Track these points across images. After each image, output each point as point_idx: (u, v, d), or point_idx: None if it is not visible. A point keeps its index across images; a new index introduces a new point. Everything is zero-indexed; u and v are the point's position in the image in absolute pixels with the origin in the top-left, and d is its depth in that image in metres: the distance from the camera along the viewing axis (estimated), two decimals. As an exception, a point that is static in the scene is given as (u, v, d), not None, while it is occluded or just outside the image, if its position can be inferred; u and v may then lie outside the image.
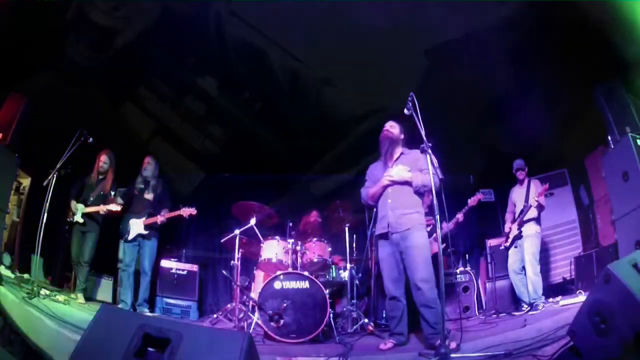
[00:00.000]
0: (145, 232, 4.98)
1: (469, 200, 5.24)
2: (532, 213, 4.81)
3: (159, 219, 4.92)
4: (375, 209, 3.62)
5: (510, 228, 5.02)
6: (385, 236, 3.41)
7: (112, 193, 4.93)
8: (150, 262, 5.03)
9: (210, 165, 6.70)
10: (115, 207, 4.76)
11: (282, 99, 5.27)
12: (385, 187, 3.43)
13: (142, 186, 5.13)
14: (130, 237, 4.96)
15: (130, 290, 4.92)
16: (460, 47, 4.30)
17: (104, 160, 4.92)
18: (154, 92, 5.27)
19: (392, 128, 3.49)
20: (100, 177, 4.96)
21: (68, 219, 4.80)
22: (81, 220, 4.75)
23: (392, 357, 3.02)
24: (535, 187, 4.88)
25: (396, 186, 3.38)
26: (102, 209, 4.74)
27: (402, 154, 3.51)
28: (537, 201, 4.72)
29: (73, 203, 4.80)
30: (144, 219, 4.97)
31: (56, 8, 3.73)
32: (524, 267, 4.81)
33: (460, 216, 5.24)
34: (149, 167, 5.16)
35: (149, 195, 5.11)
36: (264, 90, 5.21)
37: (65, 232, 4.92)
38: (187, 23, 4.04)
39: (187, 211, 4.93)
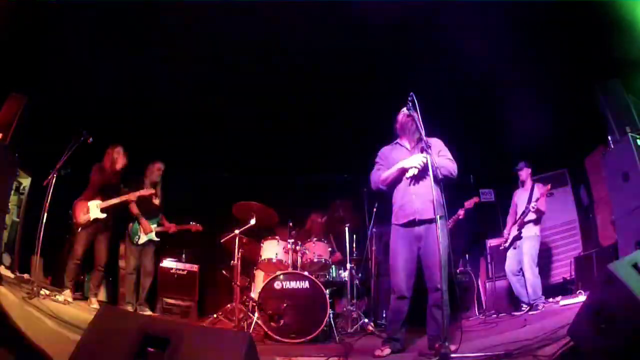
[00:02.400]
0: (157, 239, 5.10)
1: (465, 203, 5.23)
2: (532, 215, 4.81)
3: (172, 229, 5.16)
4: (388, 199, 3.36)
5: (509, 232, 5.03)
6: (408, 225, 3.14)
7: (121, 186, 4.86)
8: (153, 263, 5.13)
9: (211, 165, 6.70)
10: (147, 192, 4.79)
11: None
12: (402, 172, 3.18)
13: (152, 191, 5.17)
14: (142, 241, 5.02)
15: (136, 292, 4.96)
16: (460, 46, 4.30)
17: (119, 151, 4.82)
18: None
19: (411, 115, 3.14)
20: (112, 170, 4.82)
21: (83, 220, 4.52)
22: (102, 216, 4.59)
23: (391, 357, 3.02)
24: (539, 190, 4.88)
25: (418, 174, 3.14)
26: (133, 195, 4.71)
27: (421, 138, 3.21)
28: (534, 207, 4.73)
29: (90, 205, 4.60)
30: (155, 225, 5.09)
31: (57, 7, 3.72)
32: (521, 269, 4.81)
33: (461, 212, 5.25)
34: (160, 172, 5.23)
35: (157, 201, 5.21)
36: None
37: (72, 234, 4.72)
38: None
39: (194, 227, 5.28)
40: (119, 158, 4.81)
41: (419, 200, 3.11)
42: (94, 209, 4.59)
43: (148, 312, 4.93)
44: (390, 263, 3.22)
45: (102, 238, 4.68)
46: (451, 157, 3.27)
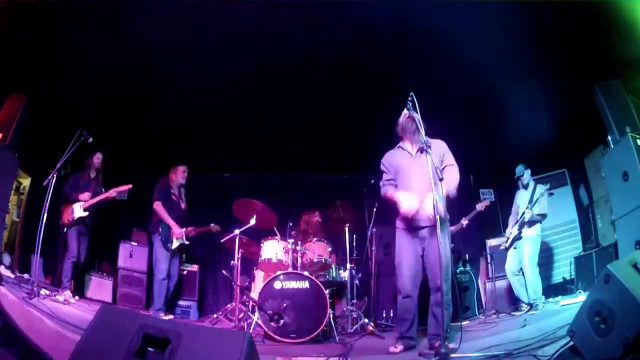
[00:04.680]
0: (187, 243, 5.19)
1: (477, 206, 5.19)
2: (534, 217, 4.79)
3: (212, 229, 5.32)
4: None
5: (510, 231, 5.02)
6: (411, 229, 3.20)
7: (103, 190, 4.93)
8: (178, 267, 5.27)
9: (211, 165, 6.71)
10: (126, 186, 4.79)
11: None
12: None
13: (177, 194, 5.28)
14: (174, 246, 5.08)
15: (166, 297, 5.02)
16: (460, 46, 4.30)
17: (100, 158, 4.94)
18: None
19: (414, 116, 3.07)
20: (93, 175, 4.93)
21: (67, 221, 4.64)
22: (85, 214, 4.67)
23: (391, 357, 3.02)
24: (540, 191, 4.86)
25: (424, 177, 3.03)
26: (112, 192, 4.74)
27: (421, 148, 3.17)
28: (531, 213, 4.71)
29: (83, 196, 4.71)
30: (184, 229, 5.15)
31: (57, 8, 3.72)
32: (521, 269, 4.80)
33: (465, 222, 5.20)
34: (185, 176, 5.32)
35: (183, 205, 5.30)
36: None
37: (62, 233, 4.75)
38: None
39: (215, 227, 5.33)
40: (97, 164, 4.91)
41: (422, 206, 3.08)
42: (77, 209, 4.68)
43: (168, 317, 4.97)
44: (396, 263, 3.28)
45: (83, 239, 4.77)
46: (453, 162, 3.27)
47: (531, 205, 4.75)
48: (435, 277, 3.04)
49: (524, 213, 4.83)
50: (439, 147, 3.27)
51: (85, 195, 4.72)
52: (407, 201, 3.10)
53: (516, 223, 4.97)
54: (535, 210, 4.75)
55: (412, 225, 3.18)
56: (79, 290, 4.97)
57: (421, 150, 3.13)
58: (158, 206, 5.05)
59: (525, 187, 5.05)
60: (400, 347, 3.10)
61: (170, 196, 5.16)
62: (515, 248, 4.94)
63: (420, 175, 3.11)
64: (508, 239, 5.01)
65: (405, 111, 3.22)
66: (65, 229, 4.67)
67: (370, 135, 3.65)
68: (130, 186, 4.83)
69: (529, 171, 5.05)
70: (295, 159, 6.50)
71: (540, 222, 4.85)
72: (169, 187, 5.20)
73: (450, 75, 4.67)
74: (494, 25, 4.07)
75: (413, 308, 3.14)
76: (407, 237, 3.22)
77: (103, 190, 4.91)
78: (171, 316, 5.15)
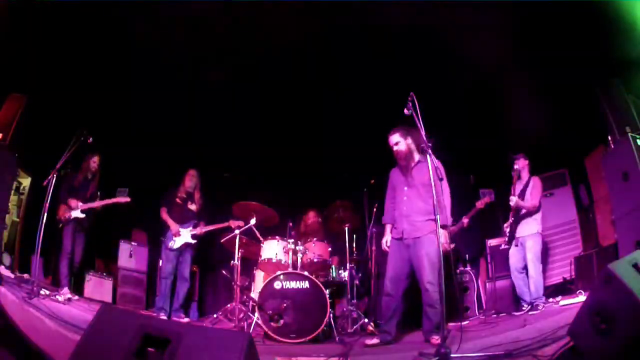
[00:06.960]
0: (193, 242, 5.17)
1: (477, 203, 5.16)
2: (530, 212, 4.78)
3: (231, 225, 5.08)
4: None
5: (508, 227, 4.98)
6: (398, 239, 3.60)
7: (98, 193, 5.01)
8: (189, 269, 5.24)
9: (211, 165, 6.70)
10: (124, 199, 4.84)
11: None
12: None
13: (185, 196, 5.30)
14: (177, 245, 5.08)
15: (169, 298, 5.01)
16: (460, 46, 4.30)
17: (96, 161, 4.95)
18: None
19: (397, 145, 3.58)
20: (90, 176, 4.95)
21: (63, 218, 4.68)
22: (82, 216, 4.73)
23: (391, 357, 3.02)
24: (534, 183, 4.84)
25: (413, 191, 3.53)
26: (109, 202, 4.80)
27: (419, 162, 3.60)
28: (514, 199, 4.69)
29: (72, 203, 4.73)
30: (190, 228, 5.16)
31: (56, 8, 3.73)
32: (525, 266, 4.79)
33: (465, 220, 5.19)
34: (193, 179, 5.36)
35: (192, 207, 5.32)
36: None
37: (58, 230, 4.77)
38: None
39: (235, 223, 5.03)
40: (94, 167, 4.92)
41: (406, 221, 3.54)
42: (75, 209, 4.72)
43: (185, 320, 5.00)
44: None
45: (79, 237, 4.78)
46: (445, 179, 3.43)
47: (518, 193, 4.73)
48: (421, 278, 3.37)
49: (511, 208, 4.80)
50: (426, 168, 3.37)
51: (74, 202, 4.73)
52: (383, 244, 3.77)
53: (510, 216, 4.93)
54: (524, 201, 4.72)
55: (398, 237, 3.60)
56: (79, 290, 4.96)
57: (422, 150, 3.19)
58: (161, 211, 5.21)
59: (518, 175, 4.98)
60: (374, 340, 3.39)
61: (174, 200, 5.25)
62: (517, 246, 4.93)
63: (410, 195, 3.55)
64: (506, 235, 4.99)
65: (392, 137, 3.58)
66: (61, 225, 4.71)
67: (371, 135, 3.66)
68: (128, 199, 4.87)
69: (525, 161, 4.95)
70: (294, 159, 6.49)
71: (532, 216, 4.81)
72: (175, 192, 5.30)
73: (451, 75, 4.68)
74: (494, 25, 4.07)
75: (392, 305, 3.44)
76: (396, 243, 3.62)
77: (98, 194, 4.95)
78: (187, 319, 5.13)
